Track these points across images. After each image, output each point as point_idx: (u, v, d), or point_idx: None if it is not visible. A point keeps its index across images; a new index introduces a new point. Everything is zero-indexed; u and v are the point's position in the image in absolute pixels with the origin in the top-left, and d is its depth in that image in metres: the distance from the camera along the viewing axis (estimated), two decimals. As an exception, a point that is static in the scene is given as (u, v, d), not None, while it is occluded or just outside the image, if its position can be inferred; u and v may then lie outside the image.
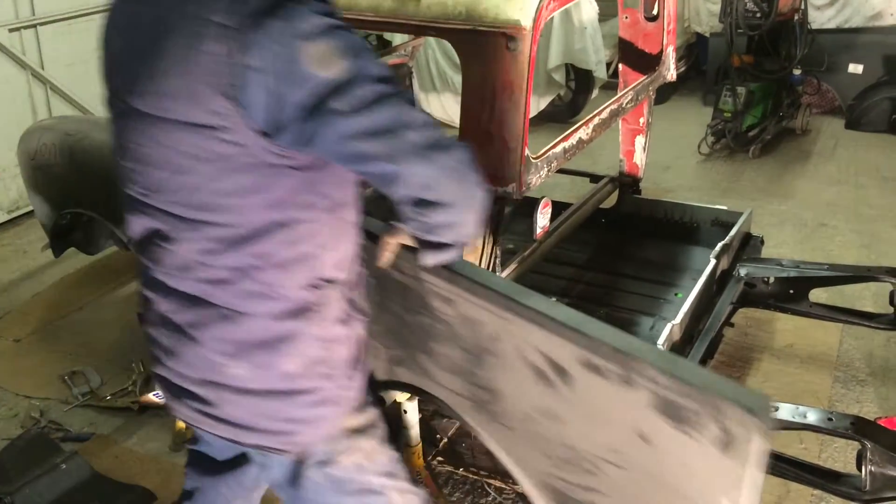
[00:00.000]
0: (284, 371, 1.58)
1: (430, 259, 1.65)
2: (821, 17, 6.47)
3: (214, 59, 1.37)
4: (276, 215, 1.48)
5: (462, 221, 1.51)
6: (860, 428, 2.43)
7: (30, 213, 4.90)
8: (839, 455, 2.95)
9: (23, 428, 3.20)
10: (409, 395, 2.50)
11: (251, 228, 1.49)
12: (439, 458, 2.96)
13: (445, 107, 6.42)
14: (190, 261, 1.53)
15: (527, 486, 1.97)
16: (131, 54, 1.49)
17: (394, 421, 2.59)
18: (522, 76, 2.18)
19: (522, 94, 2.20)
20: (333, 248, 1.58)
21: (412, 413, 2.54)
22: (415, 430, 2.57)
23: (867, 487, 2.36)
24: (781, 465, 2.44)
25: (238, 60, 1.36)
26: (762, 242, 3.49)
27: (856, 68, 6.35)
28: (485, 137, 2.25)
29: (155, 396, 3.27)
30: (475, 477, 2.88)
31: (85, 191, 3.40)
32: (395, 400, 2.45)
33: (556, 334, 1.74)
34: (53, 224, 3.62)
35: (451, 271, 1.86)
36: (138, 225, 1.59)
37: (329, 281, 1.59)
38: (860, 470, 2.38)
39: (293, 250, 1.52)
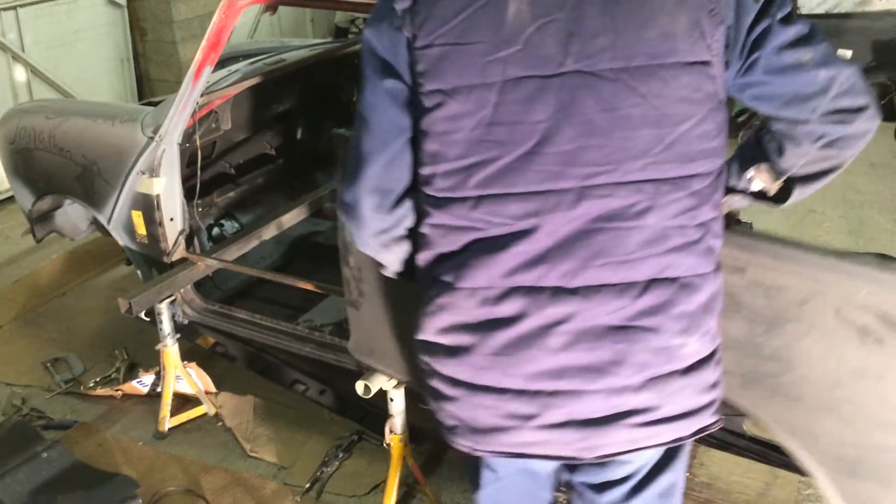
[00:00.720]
0: (711, 331, 1.45)
1: (798, 195, 1.57)
2: (810, 3, 6.45)
3: None
4: (721, 157, 1.44)
5: (870, 130, 1.45)
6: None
7: (10, 199, 4.83)
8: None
9: (4, 416, 3.16)
10: (396, 382, 2.48)
11: (717, 174, 1.42)
12: (425, 445, 2.94)
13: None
14: (659, 232, 1.35)
15: (811, 460, 1.84)
16: (580, 17, 1.32)
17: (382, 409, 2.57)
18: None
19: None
20: None
21: (399, 401, 2.51)
22: (401, 419, 2.54)
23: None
24: (769, 452, 2.43)
25: None
26: (751, 228, 3.47)
27: (844, 53, 6.32)
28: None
29: (138, 384, 3.23)
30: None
31: (66, 176, 3.35)
32: (380, 388, 2.43)
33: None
34: (34, 209, 3.56)
35: (750, 237, 1.81)
36: (560, 222, 1.36)
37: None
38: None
39: (721, 195, 1.47)
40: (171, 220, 3.05)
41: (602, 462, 1.49)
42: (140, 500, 2.53)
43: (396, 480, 2.60)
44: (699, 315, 1.41)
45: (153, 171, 2.98)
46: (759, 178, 1.61)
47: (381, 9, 1.43)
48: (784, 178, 1.57)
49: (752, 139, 1.58)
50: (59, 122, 3.31)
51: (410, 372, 2.26)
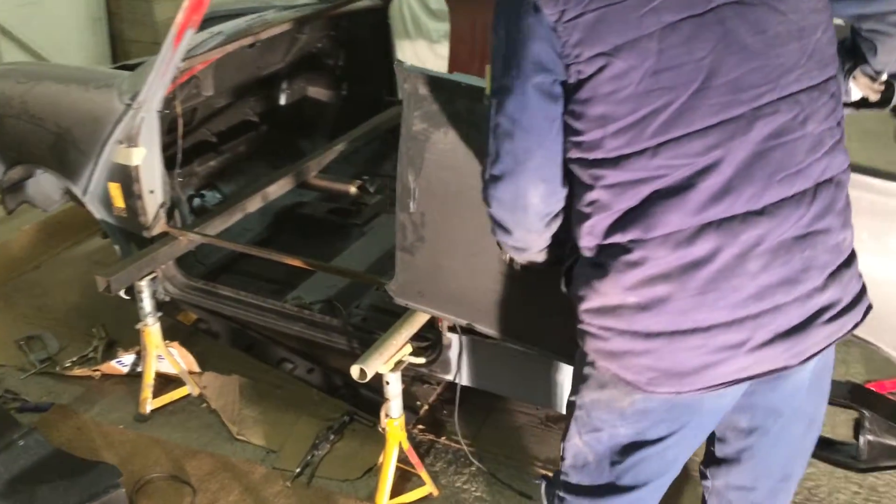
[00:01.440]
0: (851, 221, 1.57)
1: None
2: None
3: None
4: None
5: None
6: (858, 396, 2.35)
7: (-21, 166, 4.62)
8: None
9: (-24, 397, 3.02)
10: (393, 366, 2.38)
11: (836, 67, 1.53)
12: (420, 427, 2.84)
13: (419, 54, 6.20)
14: (817, 137, 1.46)
15: None
16: None
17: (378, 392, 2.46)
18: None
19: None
20: None
21: (395, 384, 2.41)
22: (397, 401, 2.44)
23: (864, 456, 2.30)
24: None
25: None
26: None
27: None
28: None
29: (118, 364, 3.10)
30: (457, 446, 2.77)
31: (38, 144, 3.17)
32: (376, 372, 2.32)
33: None
34: (5, 179, 3.38)
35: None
36: (739, 148, 1.41)
37: None
38: (857, 439, 2.32)
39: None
40: (152, 192, 2.89)
41: (781, 374, 1.54)
42: (123, 490, 2.41)
43: (392, 465, 2.50)
44: (848, 208, 1.54)
45: (131, 141, 2.82)
46: (857, 86, 1.67)
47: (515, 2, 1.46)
48: (883, 78, 1.64)
49: (843, 48, 1.63)
50: (31, 87, 3.12)
51: (468, 313, 2.31)
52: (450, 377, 2.59)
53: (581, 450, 1.68)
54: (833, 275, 1.49)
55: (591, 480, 1.69)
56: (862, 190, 1.78)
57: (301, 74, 4.04)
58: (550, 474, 1.88)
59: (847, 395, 2.33)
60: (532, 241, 1.64)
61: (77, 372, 3.13)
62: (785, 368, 1.50)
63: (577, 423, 1.67)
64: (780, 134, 1.42)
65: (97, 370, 3.11)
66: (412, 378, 2.89)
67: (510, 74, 1.48)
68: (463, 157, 2.05)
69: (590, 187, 1.49)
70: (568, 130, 1.49)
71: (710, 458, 1.81)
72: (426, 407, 2.88)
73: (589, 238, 1.52)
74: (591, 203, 1.49)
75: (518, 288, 2.21)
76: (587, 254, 1.54)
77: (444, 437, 2.83)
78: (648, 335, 1.47)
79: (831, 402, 2.37)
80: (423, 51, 6.12)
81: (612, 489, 1.66)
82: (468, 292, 2.28)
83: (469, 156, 2.04)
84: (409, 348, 2.46)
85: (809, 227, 1.45)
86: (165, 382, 3.03)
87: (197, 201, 3.51)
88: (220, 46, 3.11)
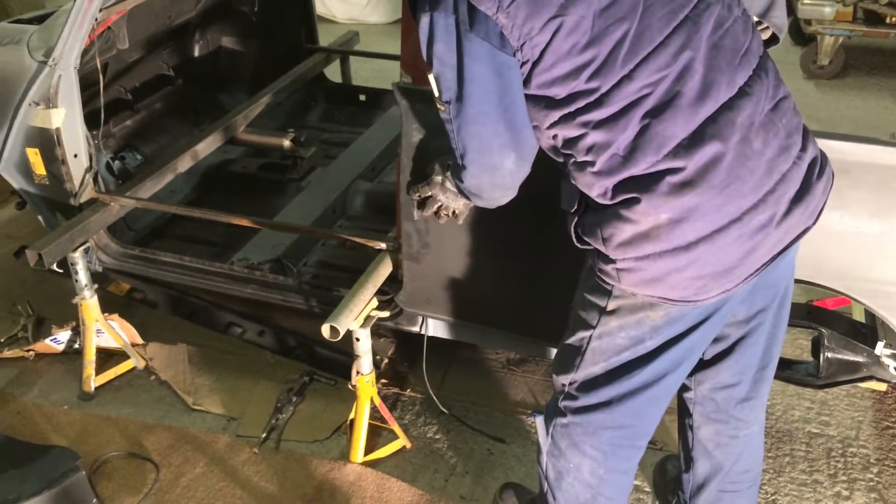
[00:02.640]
0: None
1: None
2: None
3: None
4: None
5: None
6: (816, 316, 2.45)
7: None
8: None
9: None
10: (362, 321, 2.31)
11: None
12: (383, 381, 2.79)
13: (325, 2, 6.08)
14: (743, 17, 1.57)
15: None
16: None
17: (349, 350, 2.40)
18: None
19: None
20: None
21: (364, 340, 2.35)
22: (368, 357, 2.38)
23: (823, 373, 2.41)
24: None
25: None
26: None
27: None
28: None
29: (52, 342, 2.90)
30: (422, 397, 2.74)
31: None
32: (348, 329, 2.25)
33: None
34: None
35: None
36: (700, 46, 1.50)
37: None
38: (816, 357, 2.42)
39: None
40: (76, 156, 2.69)
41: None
42: (83, 473, 2.26)
43: (365, 421, 2.45)
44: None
45: (49, 102, 2.60)
46: None
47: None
48: (755, 20, 1.73)
49: None
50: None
51: (474, 315, 2.42)
52: (416, 329, 2.55)
53: (593, 373, 1.72)
54: (805, 133, 1.61)
55: (602, 398, 1.74)
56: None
57: (214, 24, 3.82)
58: (538, 409, 1.92)
59: (806, 315, 2.43)
60: (504, 198, 1.73)
61: (8, 354, 2.90)
62: (806, 231, 1.59)
63: (594, 354, 1.70)
64: (721, 23, 1.52)
65: (30, 350, 2.90)
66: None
67: (462, 78, 1.52)
68: None
69: (582, 135, 1.53)
70: (540, 100, 1.54)
71: (696, 365, 1.86)
72: (386, 361, 2.83)
73: (600, 184, 1.54)
74: (590, 149, 1.53)
75: (525, 288, 2.27)
76: (602, 200, 1.56)
77: (408, 390, 2.79)
78: (689, 246, 1.50)
79: (791, 324, 2.48)
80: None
81: (628, 395, 1.71)
82: (475, 296, 2.36)
83: None
84: (374, 303, 2.40)
85: (775, 96, 1.56)
86: (107, 357, 2.86)
87: (118, 164, 3.29)
88: (135, -6, 2.89)
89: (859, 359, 2.35)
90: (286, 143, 3.37)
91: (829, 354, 2.37)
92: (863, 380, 2.39)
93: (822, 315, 2.43)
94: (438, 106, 1.61)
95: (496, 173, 1.63)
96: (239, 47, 3.93)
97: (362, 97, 4.05)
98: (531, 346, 2.49)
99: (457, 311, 2.42)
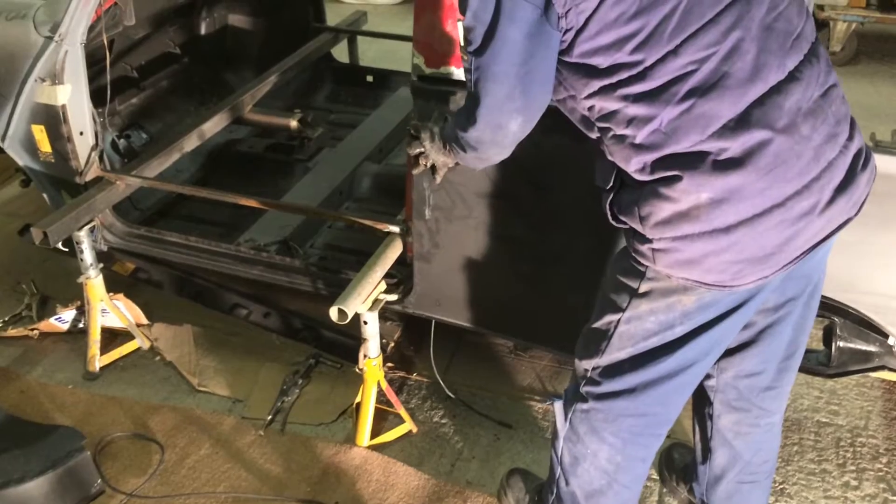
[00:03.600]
0: None
1: None
2: None
3: None
4: None
5: None
6: (829, 305, 2.43)
7: None
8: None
9: None
10: (370, 305, 2.29)
11: None
12: (389, 365, 2.77)
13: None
14: (797, 3, 1.53)
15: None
16: None
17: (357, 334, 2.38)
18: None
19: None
20: None
21: (373, 323, 2.32)
22: (375, 341, 2.36)
23: (834, 362, 2.38)
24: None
25: None
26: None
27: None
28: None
29: (57, 321, 2.88)
30: (429, 381, 2.72)
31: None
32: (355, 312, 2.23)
33: None
34: None
35: None
36: (750, 26, 1.46)
37: None
38: (827, 346, 2.40)
39: None
40: (81, 133, 2.65)
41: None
42: (88, 453, 2.25)
43: (372, 405, 2.43)
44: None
45: (55, 78, 2.56)
46: None
47: None
48: None
49: None
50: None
51: (484, 321, 2.43)
52: (424, 313, 2.53)
53: (618, 358, 1.70)
54: (852, 123, 1.58)
55: (626, 384, 1.72)
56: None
57: (221, 1, 3.77)
58: (553, 394, 1.90)
59: (819, 304, 2.40)
60: (497, 157, 1.72)
61: (12, 332, 2.89)
62: (848, 221, 1.57)
63: (620, 339, 1.68)
64: (776, 5, 1.48)
65: (35, 329, 2.88)
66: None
67: (493, 35, 1.49)
68: None
69: (621, 108, 1.49)
70: (581, 69, 1.51)
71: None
72: (392, 344, 2.81)
73: (639, 159, 1.51)
74: (630, 122, 1.49)
75: (539, 294, 2.27)
76: (640, 176, 1.53)
77: (414, 374, 2.78)
78: (728, 228, 1.47)
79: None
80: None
81: (653, 382, 1.69)
82: (486, 300, 2.37)
83: None
84: (383, 286, 2.37)
85: (825, 83, 1.52)
86: (112, 337, 2.84)
87: (123, 142, 3.26)
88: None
89: (872, 348, 2.32)
90: (293, 123, 3.33)
91: (841, 343, 2.35)
92: (874, 370, 2.37)
93: (834, 304, 2.40)
94: (462, 55, 1.59)
95: (499, 132, 1.61)
96: (246, 26, 3.89)
97: (370, 78, 4.01)
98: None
99: (467, 316, 2.42)
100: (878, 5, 4.95)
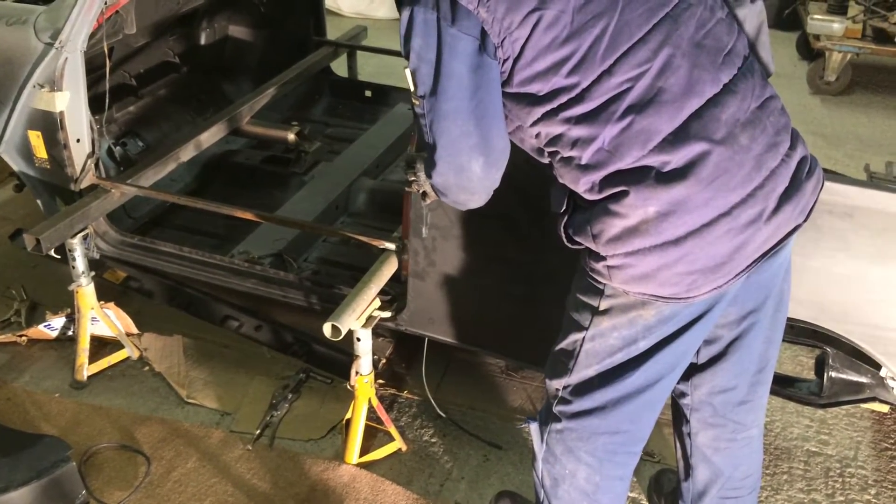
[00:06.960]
0: None
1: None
2: None
3: None
4: None
5: None
6: (821, 335, 2.43)
7: None
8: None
9: None
10: (364, 321, 2.28)
11: None
12: (380, 382, 2.76)
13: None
14: (726, 19, 1.59)
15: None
16: None
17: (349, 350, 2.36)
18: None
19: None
20: None
21: (366, 341, 2.31)
22: (368, 358, 2.35)
23: (826, 392, 2.39)
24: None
25: None
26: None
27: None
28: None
29: (46, 328, 2.86)
30: (419, 399, 2.71)
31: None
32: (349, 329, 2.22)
33: None
34: None
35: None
36: (680, 43, 1.52)
37: None
38: (819, 376, 2.40)
39: None
40: (78, 141, 2.64)
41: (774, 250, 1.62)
42: (73, 464, 2.22)
43: (362, 422, 2.42)
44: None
45: (54, 85, 2.55)
46: None
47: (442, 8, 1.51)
48: None
49: None
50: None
51: (477, 340, 2.45)
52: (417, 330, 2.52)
53: (587, 376, 1.71)
54: (793, 133, 1.61)
55: (596, 402, 1.73)
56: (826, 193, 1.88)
57: (222, 12, 3.77)
58: (534, 416, 1.94)
59: (812, 334, 2.41)
60: (471, 202, 1.72)
61: (0, 338, 2.87)
62: (797, 228, 1.60)
63: (587, 356, 1.69)
64: (703, 24, 1.54)
65: (23, 335, 2.86)
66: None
67: (439, 73, 1.53)
68: None
69: (565, 132, 1.54)
70: (523, 98, 1.55)
71: (691, 370, 1.86)
72: (384, 361, 2.79)
73: (587, 179, 1.55)
74: (574, 143, 1.54)
75: (532, 315, 2.26)
76: (589, 196, 1.57)
77: (405, 392, 2.76)
78: (678, 240, 1.50)
79: (795, 342, 2.46)
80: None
81: (622, 399, 1.70)
82: (479, 319, 2.38)
83: None
84: (377, 303, 2.36)
85: (762, 95, 1.56)
86: (101, 346, 2.82)
87: (119, 150, 3.25)
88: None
89: (863, 379, 2.33)
90: (290, 136, 3.33)
91: (833, 374, 2.35)
92: (865, 401, 2.37)
93: (827, 334, 2.41)
94: (413, 101, 1.61)
95: (462, 174, 1.61)
96: (246, 37, 3.89)
97: (368, 93, 4.01)
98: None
99: (460, 334, 2.42)
100: (873, 37, 5.00)
